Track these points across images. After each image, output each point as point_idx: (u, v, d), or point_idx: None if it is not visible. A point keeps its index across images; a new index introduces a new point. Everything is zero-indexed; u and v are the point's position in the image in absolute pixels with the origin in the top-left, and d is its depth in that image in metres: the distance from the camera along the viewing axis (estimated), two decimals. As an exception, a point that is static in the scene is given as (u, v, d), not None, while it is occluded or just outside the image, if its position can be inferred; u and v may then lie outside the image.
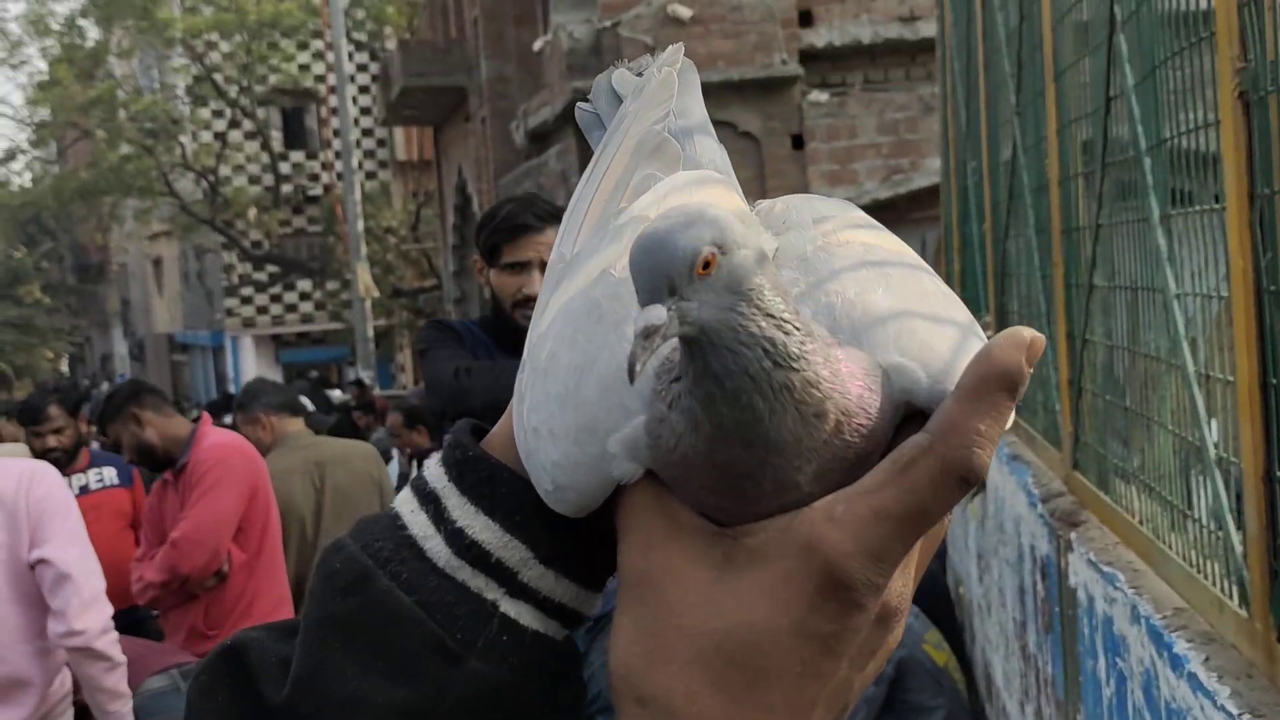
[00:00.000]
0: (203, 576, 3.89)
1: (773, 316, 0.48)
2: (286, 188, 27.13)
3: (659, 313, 0.46)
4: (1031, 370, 0.50)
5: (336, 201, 22.13)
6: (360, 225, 16.72)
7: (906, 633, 4.69)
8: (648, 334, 0.46)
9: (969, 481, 0.48)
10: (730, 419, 0.48)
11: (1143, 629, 2.03)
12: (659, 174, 0.60)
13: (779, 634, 0.49)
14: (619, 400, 0.52)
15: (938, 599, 5.15)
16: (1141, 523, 2.21)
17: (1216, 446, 1.76)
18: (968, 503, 4.61)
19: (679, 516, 0.51)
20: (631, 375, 0.46)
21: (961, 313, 0.55)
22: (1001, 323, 4.15)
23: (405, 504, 0.60)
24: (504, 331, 2.88)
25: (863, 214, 0.59)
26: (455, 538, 0.58)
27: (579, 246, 0.60)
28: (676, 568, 0.51)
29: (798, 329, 0.48)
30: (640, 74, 0.66)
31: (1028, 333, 0.50)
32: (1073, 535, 2.68)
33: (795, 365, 0.48)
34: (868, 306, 0.52)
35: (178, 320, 33.49)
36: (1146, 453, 2.20)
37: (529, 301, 2.23)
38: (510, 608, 0.57)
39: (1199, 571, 1.86)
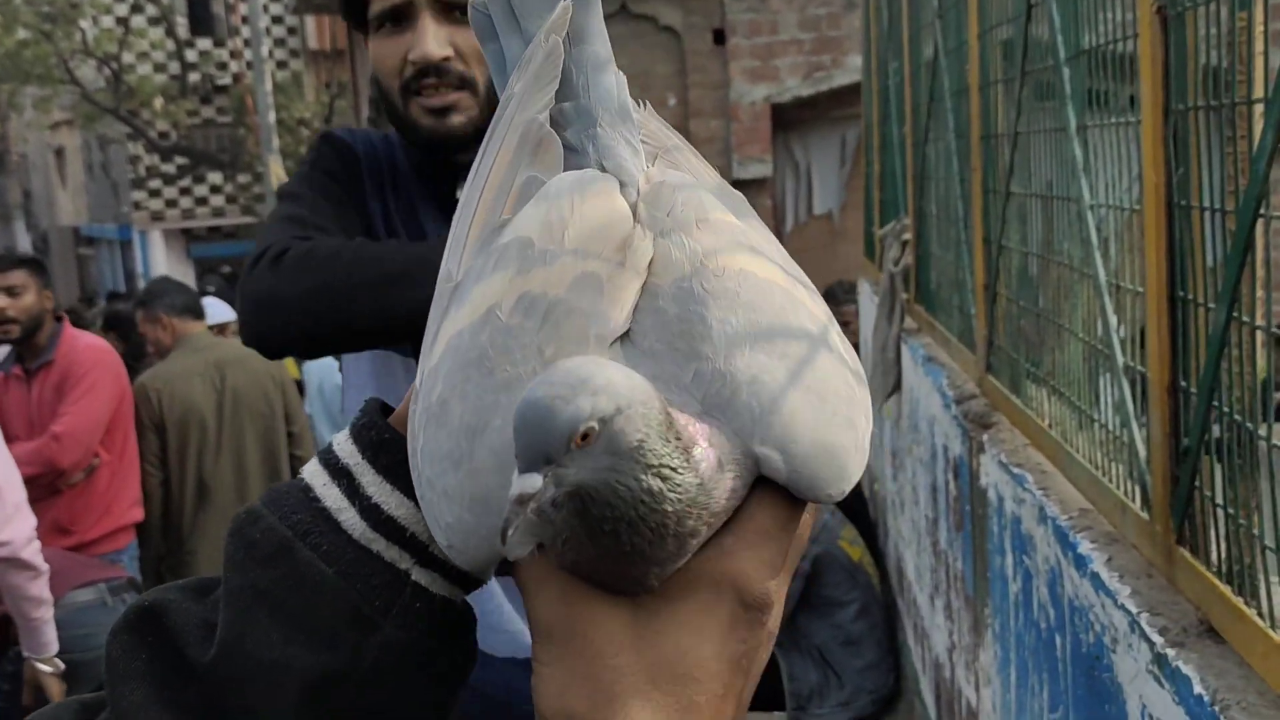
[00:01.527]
0: (75, 472, 4.03)
1: (652, 466, 0.51)
2: (194, 76, 26.32)
3: (534, 481, 0.49)
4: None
5: (246, 92, 21.53)
6: (272, 117, 16.28)
7: (823, 530, 4.80)
8: (521, 500, 0.48)
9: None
10: (612, 549, 0.53)
11: (1049, 529, 2.09)
12: (541, 176, 0.62)
13: (704, 660, 0.54)
14: (509, 476, 0.52)
15: (853, 497, 5.26)
16: (1050, 426, 2.27)
17: (1124, 354, 1.80)
18: (883, 403, 4.69)
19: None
20: (504, 538, 0.49)
21: (834, 382, 0.58)
22: (920, 225, 4.19)
23: (316, 477, 0.63)
24: (412, 140, 1.65)
25: (742, 218, 0.63)
26: (371, 512, 0.62)
27: (464, 265, 0.62)
28: (597, 614, 0.55)
29: (675, 471, 0.52)
30: None
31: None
32: (985, 437, 2.75)
33: (672, 506, 0.52)
34: (737, 390, 0.56)
35: (83, 213, 32.58)
36: (1057, 358, 2.25)
37: (423, 76, 1.55)
38: (421, 576, 0.62)
39: (1104, 474, 1.92)
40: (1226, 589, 1.42)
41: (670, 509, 0.52)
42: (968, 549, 3.10)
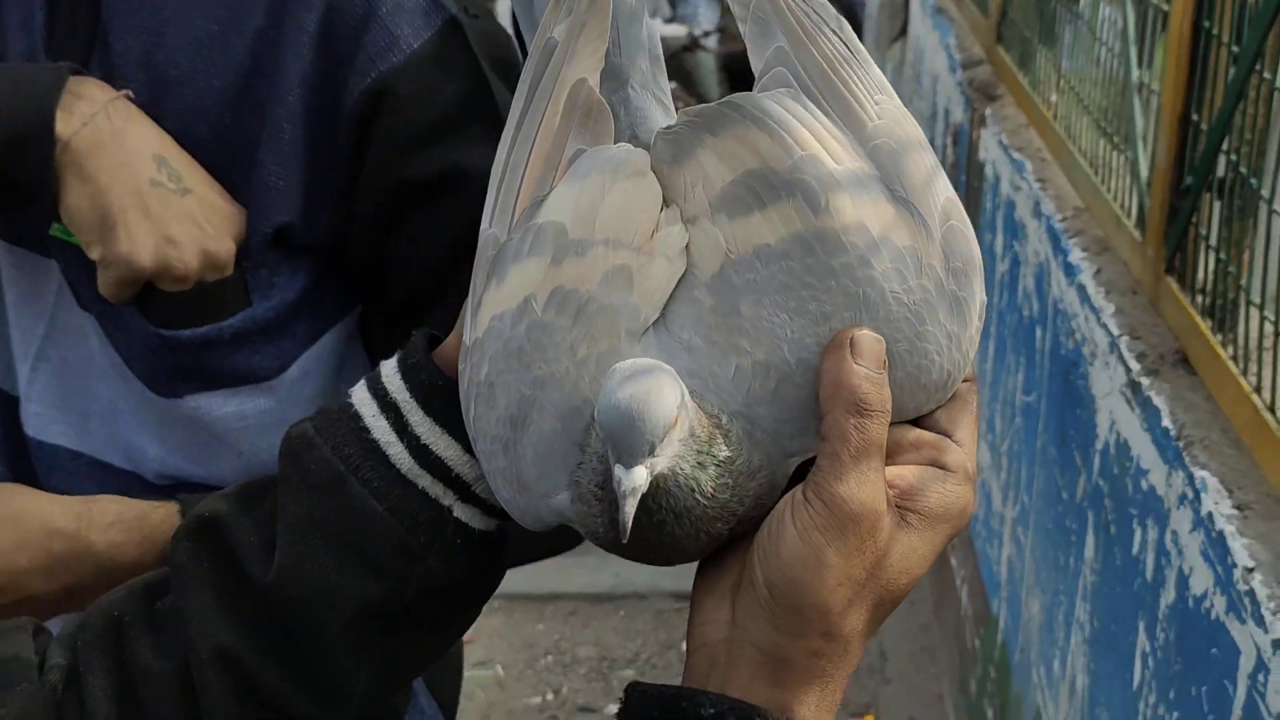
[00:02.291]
0: None
1: (701, 454, 0.55)
2: None
3: (642, 475, 0.52)
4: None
5: None
6: None
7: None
8: (634, 494, 0.52)
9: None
10: (654, 539, 0.56)
11: (1042, 225, 2.12)
12: (590, 150, 0.62)
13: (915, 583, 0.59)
14: (547, 471, 0.60)
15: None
16: (1056, 117, 2.25)
17: (1140, 72, 1.77)
18: (887, 47, 4.58)
19: (883, 461, 0.58)
20: (625, 532, 0.52)
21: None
22: None
23: (365, 406, 0.67)
24: None
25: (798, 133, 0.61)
26: (419, 451, 0.66)
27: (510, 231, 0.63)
28: (891, 514, 0.57)
29: (717, 464, 0.56)
30: None
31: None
32: (988, 111, 2.72)
33: (710, 501, 0.55)
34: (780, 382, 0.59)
35: None
36: (1071, 51, 2.20)
37: None
38: (463, 512, 0.67)
39: (1102, 181, 1.93)
40: (1205, 325, 1.47)
41: (709, 502, 0.56)
42: (959, 217, 3.12)
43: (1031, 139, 2.45)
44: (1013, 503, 2.35)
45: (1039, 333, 2.13)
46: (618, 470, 0.52)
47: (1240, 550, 1.20)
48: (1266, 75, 1.26)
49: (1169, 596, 1.40)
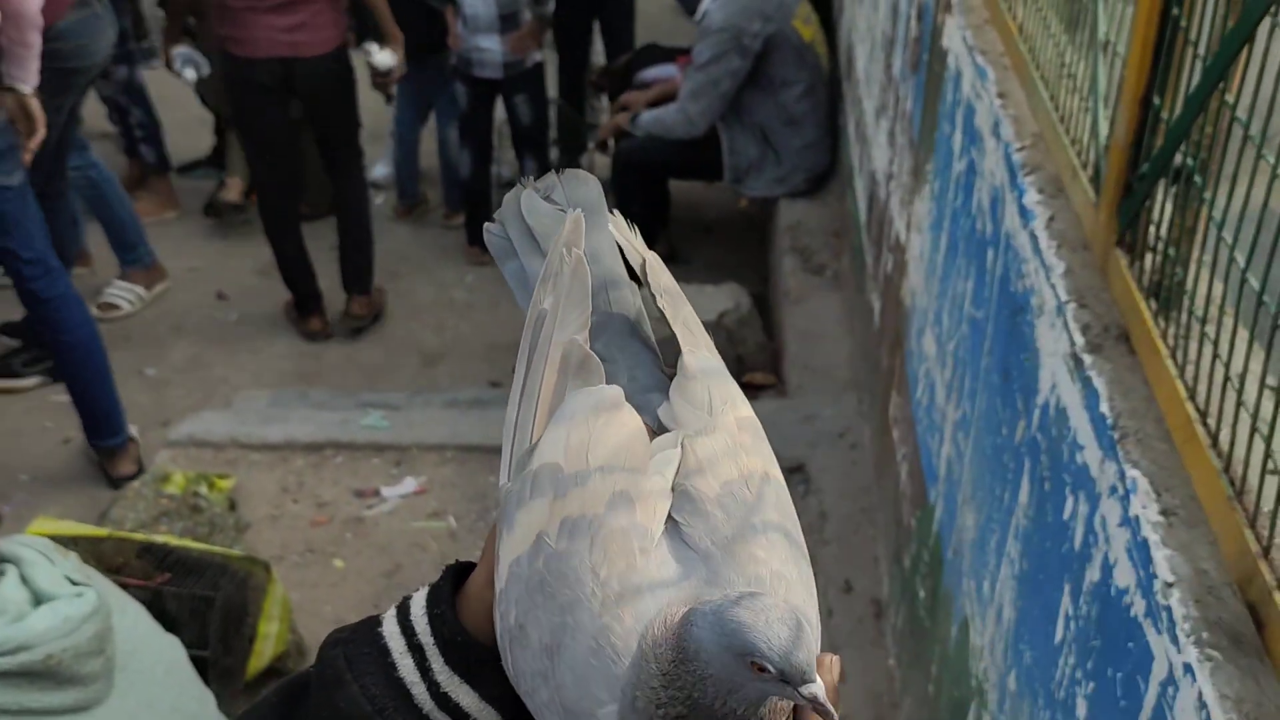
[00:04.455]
0: None
1: None
2: None
3: (821, 686, 0.59)
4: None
5: None
6: None
7: (777, 9, 4.71)
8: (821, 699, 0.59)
9: None
10: None
11: (1000, 149, 2.13)
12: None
13: None
14: (589, 690, 0.63)
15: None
16: (1023, 38, 2.23)
17: (1106, 23, 1.76)
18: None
19: None
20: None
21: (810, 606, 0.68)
22: None
23: (395, 641, 0.72)
24: None
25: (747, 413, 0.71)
26: (441, 699, 0.71)
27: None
28: None
29: None
30: (549, 198, 0.72)
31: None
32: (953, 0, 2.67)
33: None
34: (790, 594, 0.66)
35: None
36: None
37: None
38: None
39: (1062, 120, 1.93)
40: (1148, 308, 1.51)
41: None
42: (919, 96, 3.11)
43: (994, 42, 2.42)
44: (954, 405, 2.41)
45: (990, 254, 2.16)
46: (807, 689, 0.59)
47: (1162, 562, 1.27)
48: (1228, 99, 1.27)
49: (1094, 574, 1.48)
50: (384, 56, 4.69)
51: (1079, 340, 1.59)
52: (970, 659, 2.07)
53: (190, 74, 4.81)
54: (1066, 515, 1.60)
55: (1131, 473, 1.38)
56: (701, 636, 0.59)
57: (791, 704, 0.63)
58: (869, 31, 4.22)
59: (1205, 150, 1.38)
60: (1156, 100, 1.51)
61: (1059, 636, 1.59)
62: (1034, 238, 1.84)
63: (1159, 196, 1.51)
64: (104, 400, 3.76)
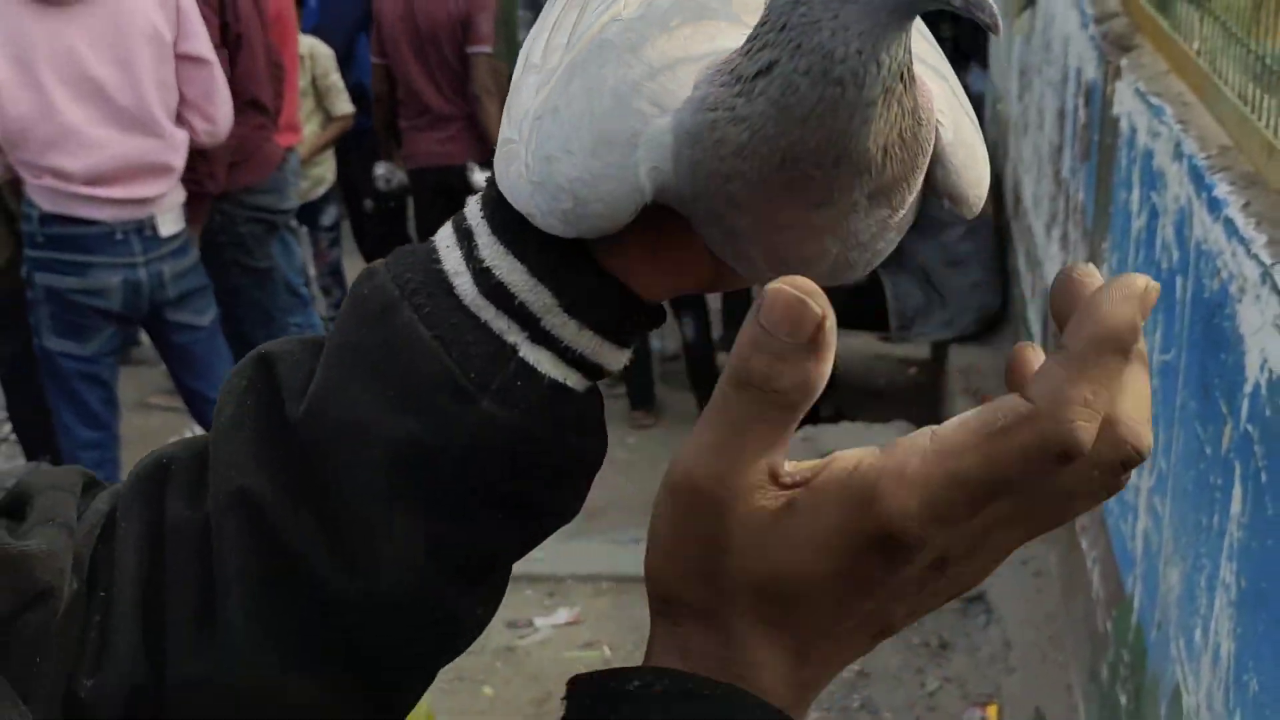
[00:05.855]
0: None
1: None
2: None
3: None
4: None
5: None
6: None
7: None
8: None
9: (1069, 456, 0.43)
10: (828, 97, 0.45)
11: (1184, 166, 1.97)
12: None
13: (821, 578, 0.45)
14: (635, 106, 0.50)
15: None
16: (1199, 53, 2.10)
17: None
18: (1016, 16, 4.41)
19: (759, 442, 0.45)
20: (997, 29, 0.42)
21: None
22: None
23: (444, 238, 0.57)
24: None
25: None
26: (482, 276, 0.56)
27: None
28: (741, 496, 0.45)
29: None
30: None
31: (1140, 281, 0.44)
32: (1123, 61, 2.56)
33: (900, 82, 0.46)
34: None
35: None
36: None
37: None
38: (529, 353, 0.56)
39: (1253, 110, 1.78)
40: (1374, 245, 1.33)
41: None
42: (1091, 180, 2.97)
43: (1171, 84, 2.29)
44: (1149, 473, 2.19)
45: (1179, 282, 1.98)
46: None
47: None
48: None
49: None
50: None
51: (1290, 295, 1.41)
52: (1184, 726, 1.79)
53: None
54: (1290, 496, 1.38)
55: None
56: None
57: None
58: (1035, 154, 4.12)
59: None
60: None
61: (1292, 640, 1.35)
62: (1229, 223, 1.66)
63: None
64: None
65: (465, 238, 0.57)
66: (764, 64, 0.45)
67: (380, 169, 5.32)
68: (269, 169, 3.79)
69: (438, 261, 0.57)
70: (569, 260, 0.56)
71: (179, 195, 3.22)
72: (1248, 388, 1.55)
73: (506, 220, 0.56)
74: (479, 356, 0.55)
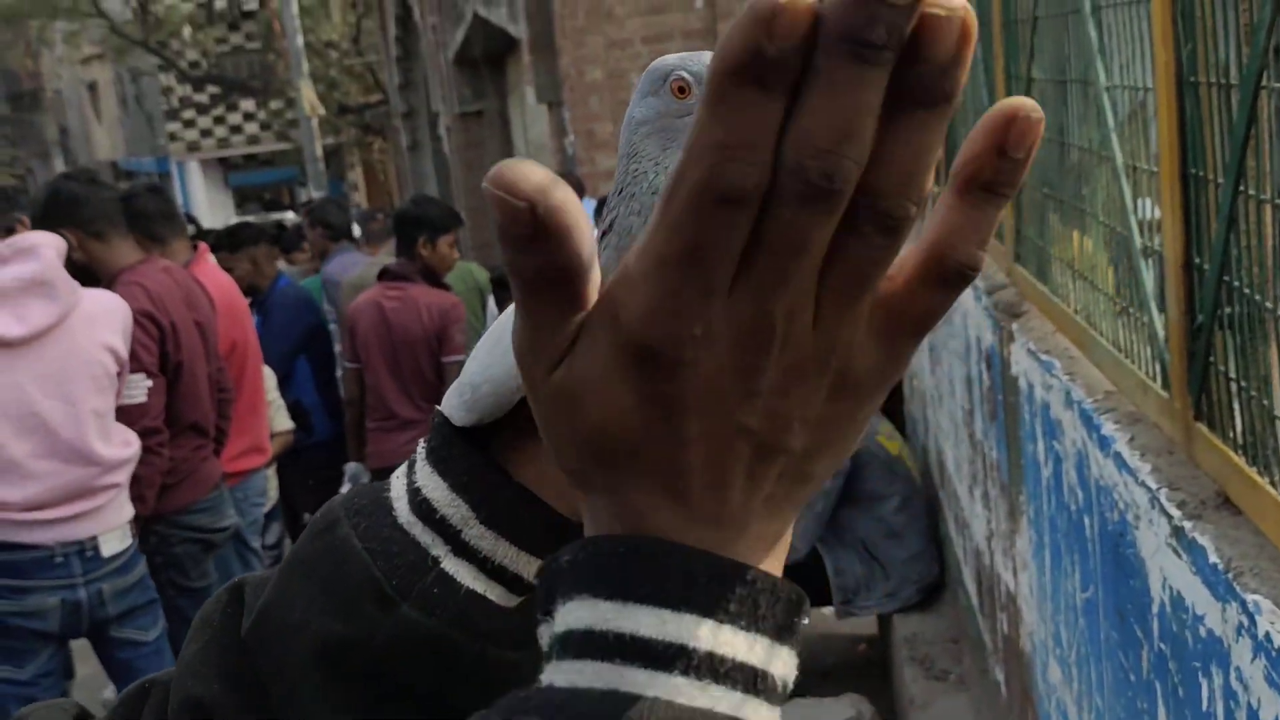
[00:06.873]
0: None
1: None
2: (220, 3, 26.24)
3: None
4: (782, 44, 0.35)
5: (274, 16, 21.47)
6: (300, 40, 16.25)
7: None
8: None
9: (728, 198, 0.36)
10: None
11: (1075, 413, 2.12)
12: None
13: (620, 414, 0.40)
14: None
15: (889, 394, 5.27)
16: (1076, 312, 2.28)
17: (1141, 236, 1.81)
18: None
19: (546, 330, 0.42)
20: None
21: None
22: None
23: (398, 472, 0.65)
24: None
25: None
26: (414, 495, 0.62)
27: None
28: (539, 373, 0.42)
29: None
30: None
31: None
32: (1014, 326, 2.76)
33: None
34: None
35: (120, 147, 32.71)
36: (1080, 244, 2.25)
37: None
38: (450, 565, 0.61)
39: (1127, 356, 1.94)
40: (1242, 461, 1.45)
41: None
42: (1001, 437, 3.12)
43: (1059, 341, 2.47)
44: (1088, 711, 2.23)
45: (1087, 521, 2.09)
46: None
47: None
48: (1252, 192, 1.29)
49: (1247, 741, 1.31)
50: None
51: (1176, 514, 1.51)
52: None
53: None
54: (1205, 704, 1.44)
55: (1252, 598, 1.27)
56: (631, 110, 0.50)
57: None
58: (951, 421, 4.30)
59: (1251, 265, 1.38)
60: (1197, 259, 1.53)
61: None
62: (1118, 456, 1.79)
63: (1221, 348, 1.49)
64: None
65: (410, 466, 0.64)
66: (608, 224, 0.51)
67: (350, 469, 5.38)
68: (206, 489, 3.85)
69: (386, 490, 0.64)
70: (486, 475, 0.61)
71: (124, 513, 3.25)
72: (1155, 608, 1.63)
73: (438, 444, 0.63)
74: (403, 566, 0.61)
